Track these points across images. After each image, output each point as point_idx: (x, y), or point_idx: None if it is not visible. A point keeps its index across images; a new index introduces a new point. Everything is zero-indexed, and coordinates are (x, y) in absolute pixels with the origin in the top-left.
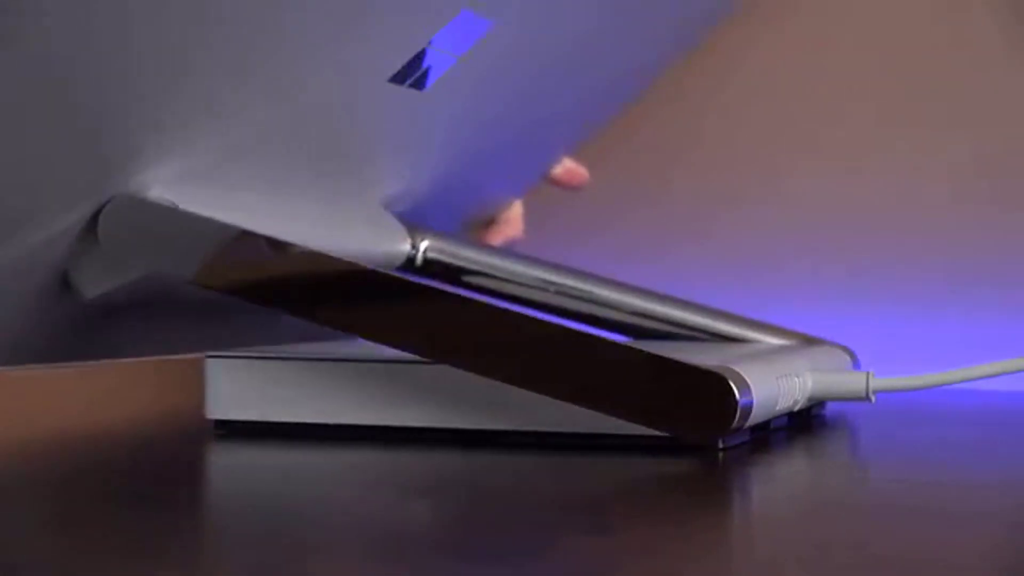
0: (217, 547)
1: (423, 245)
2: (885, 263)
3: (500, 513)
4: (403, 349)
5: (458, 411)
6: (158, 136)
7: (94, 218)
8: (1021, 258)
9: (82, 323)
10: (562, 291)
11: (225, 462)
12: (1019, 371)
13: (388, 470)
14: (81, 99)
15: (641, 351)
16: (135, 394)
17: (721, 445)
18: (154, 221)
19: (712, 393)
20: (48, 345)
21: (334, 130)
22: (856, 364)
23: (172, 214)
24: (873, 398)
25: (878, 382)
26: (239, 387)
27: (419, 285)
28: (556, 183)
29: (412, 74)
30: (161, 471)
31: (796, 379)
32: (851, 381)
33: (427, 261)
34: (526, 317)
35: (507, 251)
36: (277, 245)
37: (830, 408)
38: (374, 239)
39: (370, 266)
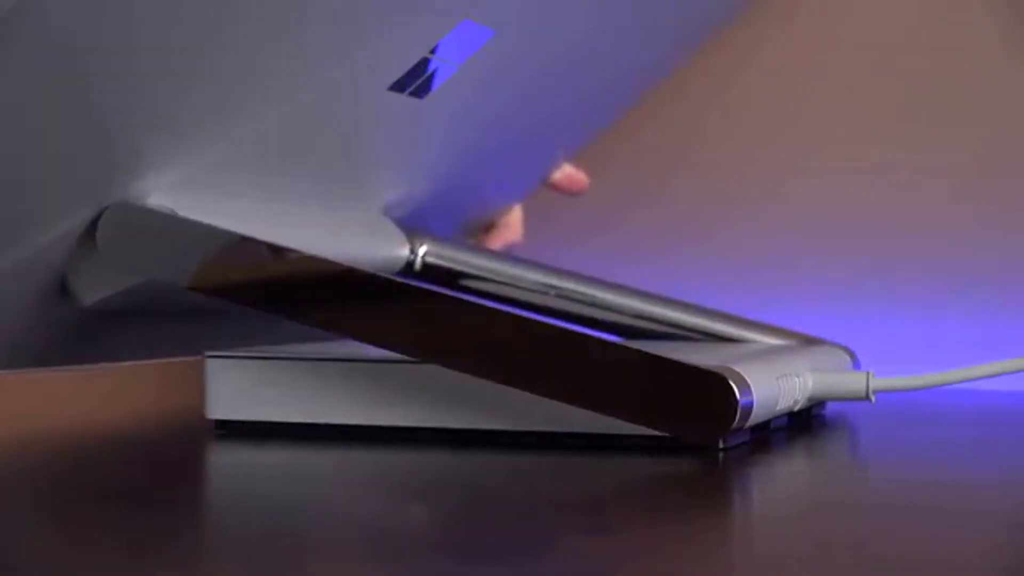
0: (217, 547)
1: (422, 250)
2: (885, 263)
3: (500, 513)
4: (402, 352)
5: (460, 411)
6: (158, 142)
7: (93, 224)
8: (1021, 258)
9: (80, 327)
10: (562, 294)
11: (225, 462)
12: (1019, 371)
13: (389, 470)
14: (82, 104)
15: (641, 351)
16: (135, 394)
17: (721, 445)
18: (152, 228)
19: (712, 393)
20: (46, 349)
21: (334, 137)
22: (856, 364)
23: (171, 221)
24: (873, 398)
25: (878, 382)
26: (239, 387)
27: (417, 288)
28: (556, 188)
29: (412, 82)
30: (161, 471)
31: (796, 379)
32: (851, 381)
33: (426, 266)
34: (526, 319)
35: (505, 255)
36: (274, 250)
37: (830, 408)
38: (373, 245)
39: (368, 270)
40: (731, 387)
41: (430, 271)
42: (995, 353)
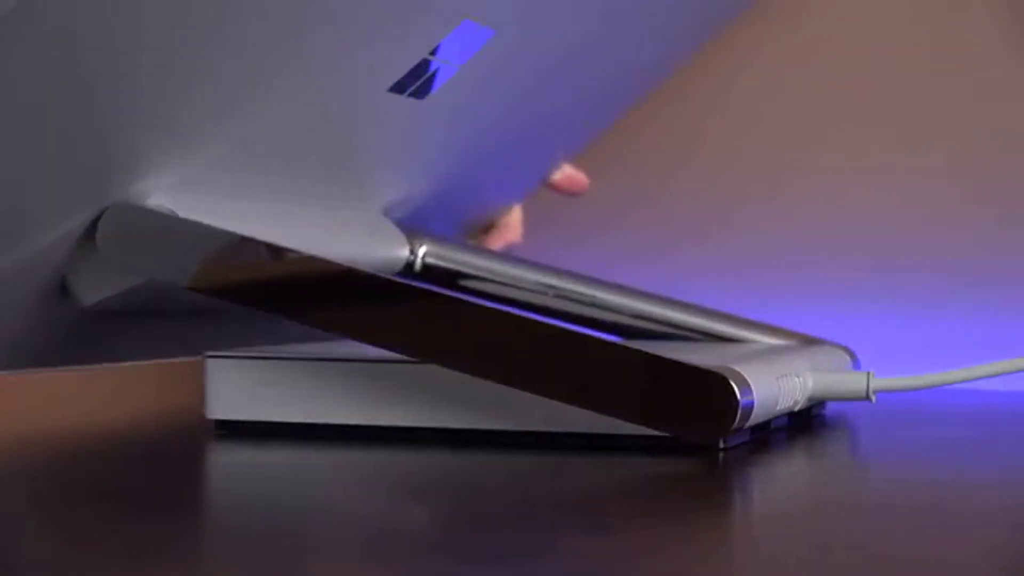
0: (217, 547)
1: (421, 251)
2: (885, 263)
3: (500, 513)
4: (402, 352)
5: (460, 411)
6: (159, 143)
7: (94, 224)
8: (1021, 258)
9: (80, 327)
10: (562, 294)
11: (225, 462)
12: (1019, 371)
13: (389, 470)
14: (82, 104)
15: (642, 351)
16: (135, 394)
17: (721, 445)
18: (153, 228)
19: (713, 393)
20: (46, 349)
21: (334, 138)
22: (856, 364)
23: (171, 221)
24: (873, 398)
25: (878, 382)
26: (239, 387)
27: (417, 288)
28: (556, 189)
29: (413, 83)
30: (161, 471)
31: (796, 379)
32: (851, 381)
33: (426, 266)
34: (526, 319)
35: (505, 255)
36: (274, 250)
37: (830, 408)
38: (372, 245)
39: (368, 271)
40: (731, 387)
41: (430, 271)
42: (995, 353)
